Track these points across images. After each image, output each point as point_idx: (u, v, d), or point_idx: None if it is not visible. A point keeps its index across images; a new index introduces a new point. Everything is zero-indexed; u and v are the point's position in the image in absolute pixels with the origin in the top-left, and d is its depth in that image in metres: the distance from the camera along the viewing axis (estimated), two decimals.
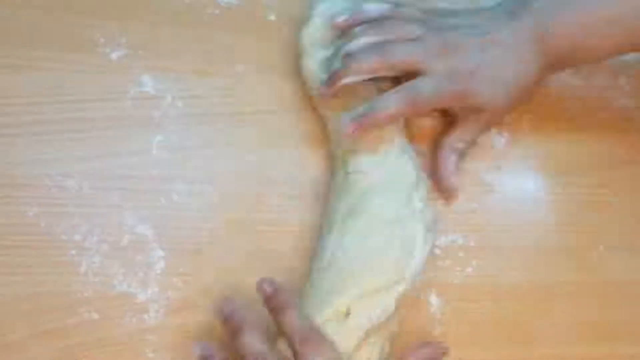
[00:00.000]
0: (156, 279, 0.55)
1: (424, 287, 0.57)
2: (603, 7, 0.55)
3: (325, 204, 0.57)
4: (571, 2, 0.55)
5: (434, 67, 0.55)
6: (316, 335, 0.49)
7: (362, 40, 0.56)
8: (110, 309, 0.54)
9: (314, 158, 0.59)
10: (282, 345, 0.50)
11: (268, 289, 0.51)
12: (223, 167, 0.59)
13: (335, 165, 0.58)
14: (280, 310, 0.50)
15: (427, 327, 0.56)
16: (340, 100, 0.57)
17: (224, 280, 0.56)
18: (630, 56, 0.62)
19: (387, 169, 0.55)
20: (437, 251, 0.58)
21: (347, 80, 0.55)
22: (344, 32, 0.57)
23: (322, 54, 0.58)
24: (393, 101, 0.55)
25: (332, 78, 0.55)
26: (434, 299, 0.57)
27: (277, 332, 0.51)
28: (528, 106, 0.61)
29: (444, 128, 0.59)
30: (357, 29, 0.56)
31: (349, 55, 0.55)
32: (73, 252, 0.55)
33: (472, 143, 0.59)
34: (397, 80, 0.56)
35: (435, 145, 0.59)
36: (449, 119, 0.59)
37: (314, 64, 0.58)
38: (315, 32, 0.58)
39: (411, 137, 0.58)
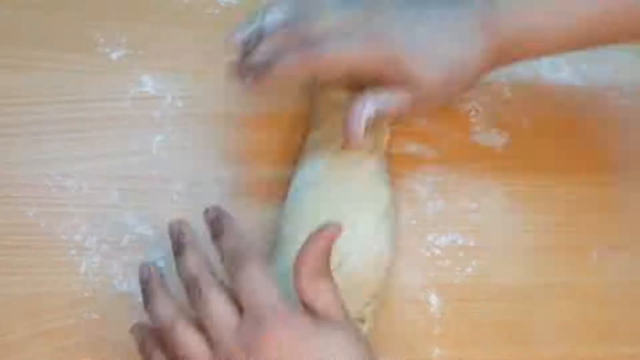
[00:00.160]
0: None
1: (424, 287, 0.57)
2: None
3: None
4: None
5: (359, 29, 0.50)
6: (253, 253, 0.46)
7: (271, 16, 0.52)
8: (110, 309, 0.54)
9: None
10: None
11: (212, 214, 0.49)
12: (223, 167, 0.59)
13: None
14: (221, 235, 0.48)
15: (427, 327, 0.56)
16: None
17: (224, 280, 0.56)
18: (630, 56, 0.62)
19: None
20: (437, 251, 0.58)
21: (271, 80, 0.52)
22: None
23: None
24: (290, 60, 0.50)
25: (257, 77, 0.51)
26: (433, 299, 0.57)
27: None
28: (528, 106, 0.61)
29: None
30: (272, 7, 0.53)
31: (265, 61, 0.51)
32: (73, 252, 0.55)
33: (397, 115, 0.53)
34: None
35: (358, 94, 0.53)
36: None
37: None
38: None
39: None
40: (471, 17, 0.52)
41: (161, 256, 0.56)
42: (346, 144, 0.52)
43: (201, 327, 0.45)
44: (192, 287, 0.46)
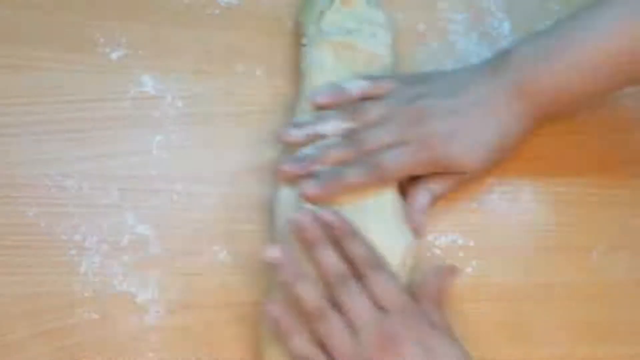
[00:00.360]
0: (156, 279, 0.55)
1: None
2: (583, 51, 0.54)
3: None
4: (549, 50, 0.54)
5: (408, 138, 0.55)
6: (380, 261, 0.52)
7: (331, 125, 0.56)
8: (110, 309, 0.54)
9: None
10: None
11: (331, 217, 0.52)
12: (223, 167, 0.59)
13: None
14: (345, 237, 0.52)
15: None
16: None
17: (224, 280, 0.56)
18: None
19: None
20: (437, 251, 0.58)
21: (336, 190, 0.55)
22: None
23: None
24: (357, 174, 0.54)
25: (326, 186, 0.54)
26: None
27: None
28: None
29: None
30: (329, 112, 0.56)
31: (331, 172, 0.54)
32: (73, 252, 0.55)
33: (450, 191, 0.58)
34: None
35: (412, 182, 0.57)
36: None
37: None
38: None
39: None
40: (508, 88, 0.55)
41: (161, 256, 0.56)
42: (416, 234, 0.56)
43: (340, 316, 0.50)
44: (339, 278, 0.51)
